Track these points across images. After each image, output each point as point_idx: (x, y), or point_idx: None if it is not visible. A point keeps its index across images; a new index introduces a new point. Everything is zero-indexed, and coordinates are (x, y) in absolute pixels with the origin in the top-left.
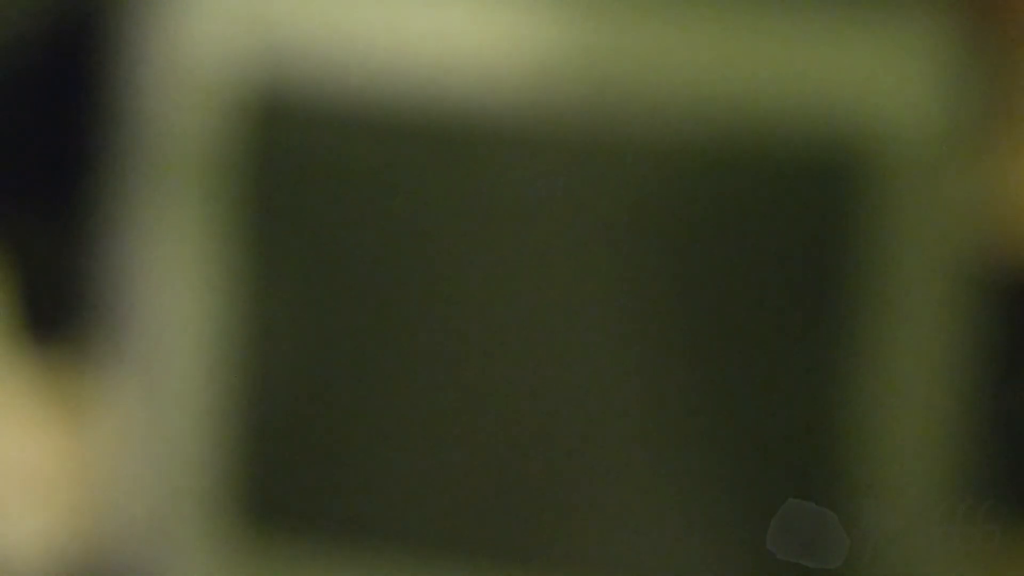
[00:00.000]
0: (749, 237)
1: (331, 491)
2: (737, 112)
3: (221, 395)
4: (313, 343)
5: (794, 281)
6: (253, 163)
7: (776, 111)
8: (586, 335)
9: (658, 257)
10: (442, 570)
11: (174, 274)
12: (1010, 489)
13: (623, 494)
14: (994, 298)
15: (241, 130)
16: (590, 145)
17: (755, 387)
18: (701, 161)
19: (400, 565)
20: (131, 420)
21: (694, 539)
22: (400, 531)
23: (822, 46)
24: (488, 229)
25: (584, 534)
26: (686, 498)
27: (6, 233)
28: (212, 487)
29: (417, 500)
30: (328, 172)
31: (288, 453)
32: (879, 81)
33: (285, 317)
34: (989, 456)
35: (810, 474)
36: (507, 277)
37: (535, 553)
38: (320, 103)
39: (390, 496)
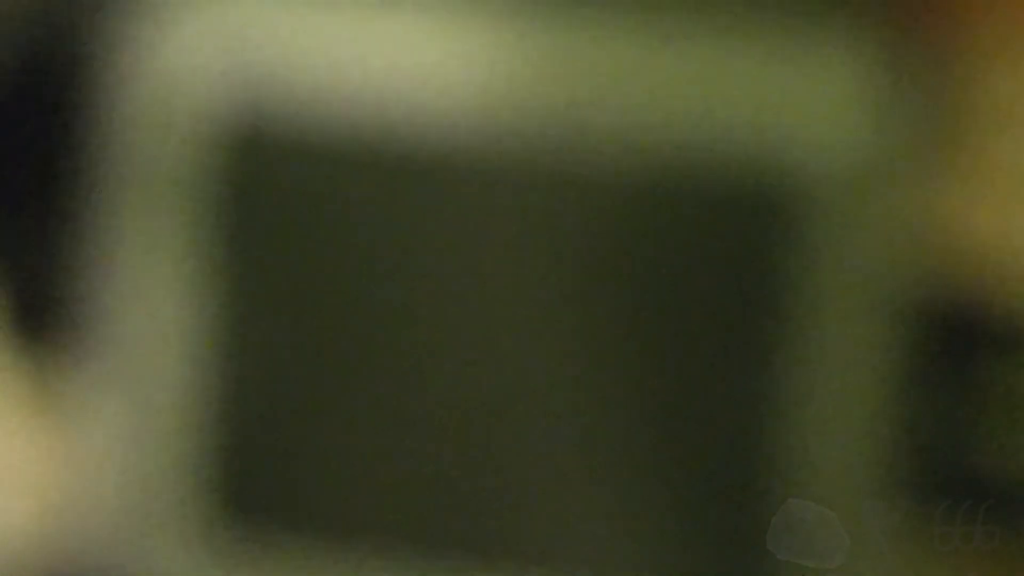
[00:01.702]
0: (688, 257)
1: (303, 487)
2: (673, 143)
3: (198, 398)
4: (286, 348)
5: (730, 297)
6: (228, 182)
7: (711, 141)
8: (540, 346)
9: (605, 276)
10: (408, 560)
11: (153, 285)
12: (928, 485)
13: (573, 486)
14: (916, 313)
15: (216, 152)
16: (541, 175)
17: (694, 390)
18: (640, 188)
19: (369, 555)
20: (112, 420)
21: (639, 526)
22: (368, 522)
23: (754, 78)
24: (450, 247)
25: (538, 522)
26: (631, 490)
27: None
28: (189, 484)
29: (384, 494)
30: (298, 193)
31: (261, 453)
32: (810, 111)
33: (261, 326)
34: (910, 456)
35: (742, 471)
36: (468, 292)
37: (491, 540)
38: (291, 129)
39: (358, 490)
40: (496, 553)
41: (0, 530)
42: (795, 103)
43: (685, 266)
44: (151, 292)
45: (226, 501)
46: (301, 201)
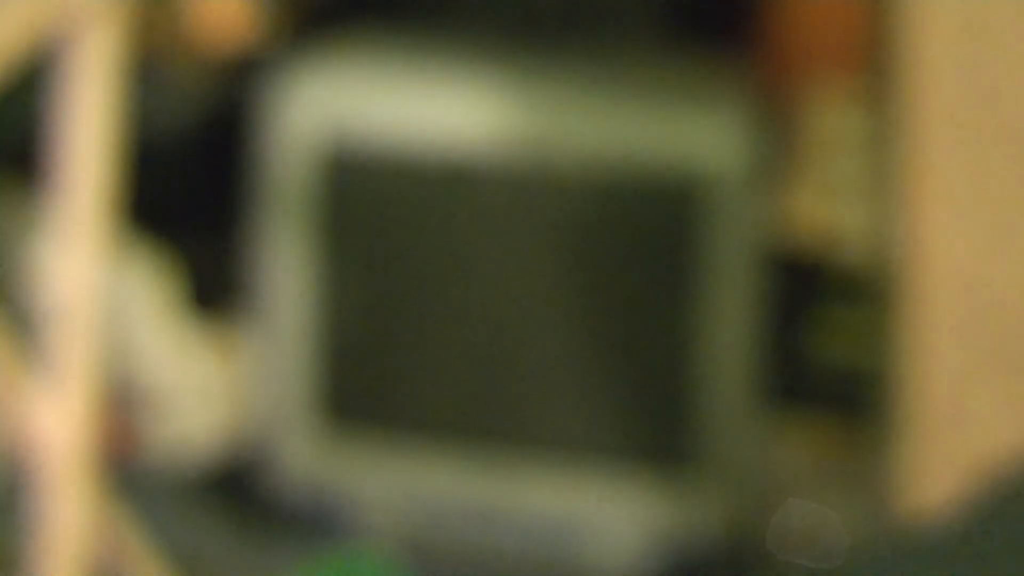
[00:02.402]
0: (617, 247)
1: (385, 398)
2: (607, 162)
3: (314, 342)
4: (373, 308)
5: (647, 276)
6: (329, 200)
7: (638, 159)
8: (524, 304)
9: (564, 261)
10: (447, 443)
11: (283, 267)
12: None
13: (554, 385)
14: (781, 281)
15: (322, 180)
16: (523, 181)
17: (623, 340)
18: (590, 192)
19: (419, 441)
20: (261, 356)
21: (588, 408)
22: (419, 418)
23: (669, 117)
24: (470, 242)
25: (531, 409)
26: (586, 384)
27: (184, 243)
28: (307, 399)
29: (430, 405)
30: (379, 205)
31: (356, 375)
32: (706, 137)
33: (355, 294)
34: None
35: (662, 377)
36: (482, 271)
37: (499, 419)
38: (373, 163)
39: (420, 395)
40: (507, 431)
41: (200, 432)
42: (698, 136)
43: (623, 245)
44: (285, 273)
45: (332, 411)
46: (381, 210)
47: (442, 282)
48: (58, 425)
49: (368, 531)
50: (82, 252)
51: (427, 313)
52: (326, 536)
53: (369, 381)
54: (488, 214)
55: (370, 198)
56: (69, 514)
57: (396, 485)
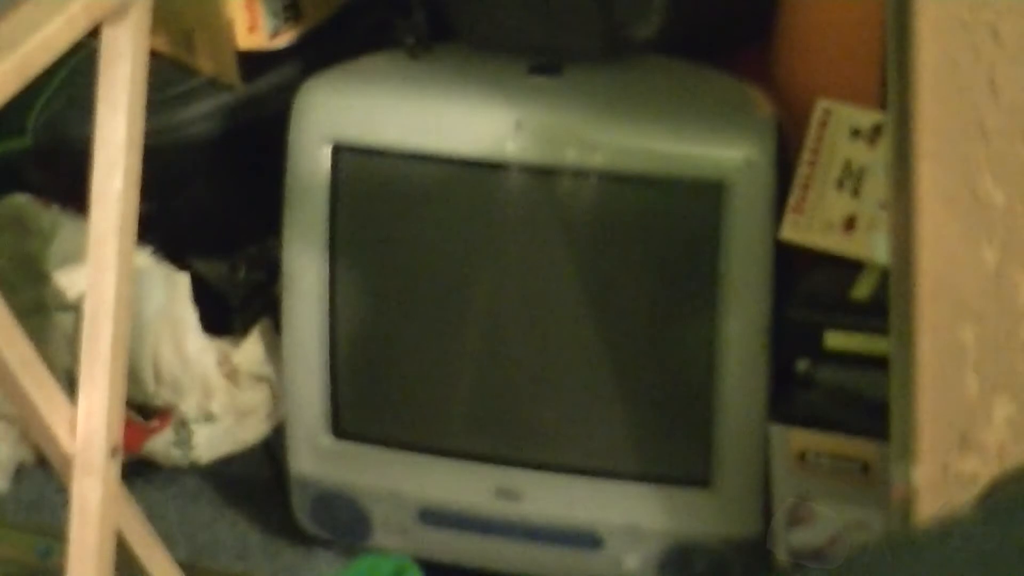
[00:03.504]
0: (639, 246)
1: (393, 408)
2: (635, 162)
3: (328, 345)
4: (385, 316)
5: (668, 269)
6: (344, 201)
7: (664, 167)
8: (542, 299)
9: (587, 258)
10: (461, 454)
11: (306, 273)
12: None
13: (569, 396)
14: (786, 277)
15: (339, 181)
16: (543, 193)
17: (643, 335)
18: (615, 204)
19: (434, 451)
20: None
21: (603, 419)
22: (433, 429)
23: (696, 129)
24: (485, 240)
25: (542, 420)
26: (602, 395)
27: (223, 251)
28: (324, 408)
29: (444, 413)
30: (386, 206)
31: (367, 386)
32: (727, 147)
33: (369, 298)
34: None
35: (675, 386)
36: (498, 269)
37: (514, 435)
38: (390, 172)
39: (428, 407)
40: (517, 441)
41: (248, 436)
42: (720, 145)
43: (645, 242)
44: (305, 274)
45: (346, 416)
46: (388, 212)
47: (457, 282)
48: (88, 414)
49: (383, 542)
50: (111, 255)
51: (444, 316)
52: (341, 547)
53: (386, 393)
54: (504, 223)
55: (382, 201)
56: (97, 498)
57: (409, 495)
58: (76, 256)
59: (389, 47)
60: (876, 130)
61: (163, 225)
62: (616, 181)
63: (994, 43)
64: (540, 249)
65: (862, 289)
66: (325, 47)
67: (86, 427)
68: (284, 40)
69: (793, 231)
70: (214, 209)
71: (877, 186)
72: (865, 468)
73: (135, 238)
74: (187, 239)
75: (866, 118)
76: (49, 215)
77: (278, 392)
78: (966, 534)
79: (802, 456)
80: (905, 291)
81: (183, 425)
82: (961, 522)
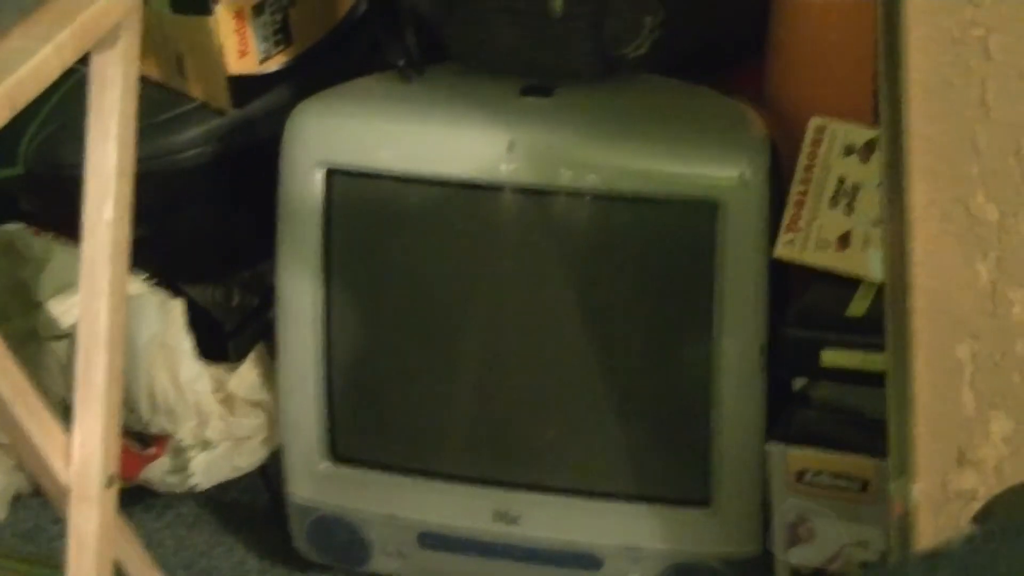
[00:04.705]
0: (634, 266)
1: (390, 432)
2: (632, 182)
3: (324, 369)
4: (381, 339)
5: (664, 289)
6: (335, 219)
7: (658, 186)
8: (538, 321)
9: (582, 278)
10: (459, 477)
11: (300, 297)
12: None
13: (567, 418)
14: (782, 295)
15: (329, 200)
16: (537, 214)
17: (639, 354)
18: (610, 224)
19: (432, 475)
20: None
21: (601, 440)
22: (431, 452)
23: (690, 148)
24: (480, 262)
25: (539, 442)
26: (600, 417)
27: (216, 276)
28: (321, 431)
29: (441, 436)
30: (377, 224)
31: (363, 410)
32: (721, 165)
33: (364, 322)
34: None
35: (673, 406)
36: (493, 291)
37: (512, 457)
38: (383, 195)
39: (425, 430)
40: (514, 462)
41: (244, 462)
42: (716, 161)
43: (640, 262)
44: (300, 298)
45: (343, 441)
46: (382, 235)
47: (452, 303)
48: (84, 443)
49: (381, 566)
50: (103, 283)
51: (439, 337)
52: (340, 572)
53: (382, 417)
54: (499, 245)
55: (373, 220)
56: (94, 528)
57: (408, 519)
58: (69, 284)
59: (381, 70)
60: (869, 147)
61: (156, 250)
62: (610, 201)
63: (985, 59)
64: (535, 270)
65: (858, 306)
66: (316, 71)
67: (81, 456)
68: (275, 64)
69: (788, 249)
70: (207, 234)
71: (871, 203)
72: (864, 485)
73: (128, 266)
74: (180, 264)
75: (859, 135)
76: (42, 243)
77: (274, 417)
78: (962, 559)
79: (801, 474)
80: (900, 308)
81: (179, 452)
82: (957, 546)
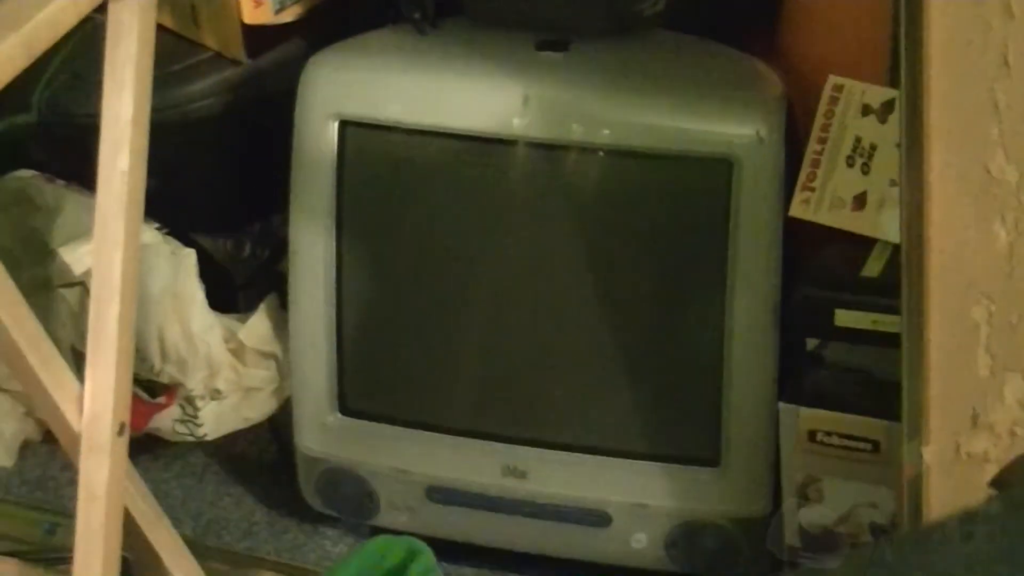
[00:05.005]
0: (647, 223)
1: (400, 386)
2: (647, 141)
3: (335, 322)
4: (392, 293)
5: (677, 246)
6: (346, 175)
7: (672, 143)
8: (549, 276)
9: (594, 235)
10: (468, 432)
11: (312, 249)
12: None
13: (573, 373)
14: (794, 248)
15: (348, 162)
16: (550, 169)
17: (651, 312)
18: (623, 180)
19: (441, 429)
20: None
21: (607, 399)
22: (440, 406)
23: (705, 105)
24: (492, 216)
25: (549, 399)
26: (610, 381)
27: (228, 228)
28: (332, 384)
29: (450, 391)
30: (400, 185)
31: (373, 363)
32: (736, 123)
33: (375, 275)
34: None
35: (684, 364)
36: (505, 246)
37: (522, 413)
38: (396, 148)
39: (435, 385)
40: (522, 421)
41: (254, 414)
42: (732, 121)
43: (653, 219)
44: (312, 251)
45: (353, 394)
46: (395, 188)
47: (461, 259)
48: (96, 392)
49: (389, 520)
50: (118, 234)
51: (447, 295)
52: (347, 524)
53: (392, 371)
54: (512, 200)
55: (384, 175)
56: (105, 476)
57: (416, 473)
58: (81, 232)
59: (395, 22)
60: (887, 107)
61: (168, 201)
62: (624, 157)
63: (1006, 18)
64: (547, 226)
65: (873, 267)
66: (331, 22)
67: (93, 405)
68: (290, 15)
69: (803, 208)
70: (219, 185)
71: (888, 163)
72: (875, 447)
73: (142, 216)
74: (192, 216)
75: (877, 95)
76: (54, 191)
77: (284, 369)
78: (988, 529)
79: (812, 435)
80: (916, 269)
81: (189, 402)
82: (981, 515)
